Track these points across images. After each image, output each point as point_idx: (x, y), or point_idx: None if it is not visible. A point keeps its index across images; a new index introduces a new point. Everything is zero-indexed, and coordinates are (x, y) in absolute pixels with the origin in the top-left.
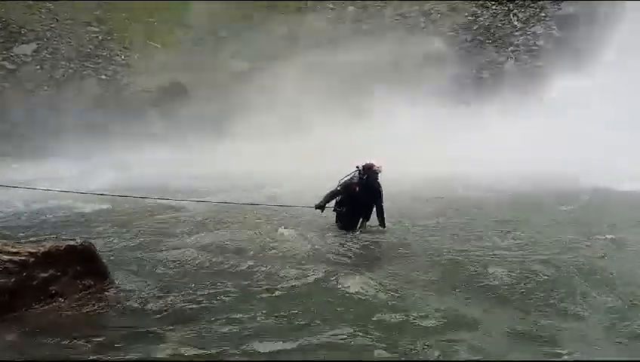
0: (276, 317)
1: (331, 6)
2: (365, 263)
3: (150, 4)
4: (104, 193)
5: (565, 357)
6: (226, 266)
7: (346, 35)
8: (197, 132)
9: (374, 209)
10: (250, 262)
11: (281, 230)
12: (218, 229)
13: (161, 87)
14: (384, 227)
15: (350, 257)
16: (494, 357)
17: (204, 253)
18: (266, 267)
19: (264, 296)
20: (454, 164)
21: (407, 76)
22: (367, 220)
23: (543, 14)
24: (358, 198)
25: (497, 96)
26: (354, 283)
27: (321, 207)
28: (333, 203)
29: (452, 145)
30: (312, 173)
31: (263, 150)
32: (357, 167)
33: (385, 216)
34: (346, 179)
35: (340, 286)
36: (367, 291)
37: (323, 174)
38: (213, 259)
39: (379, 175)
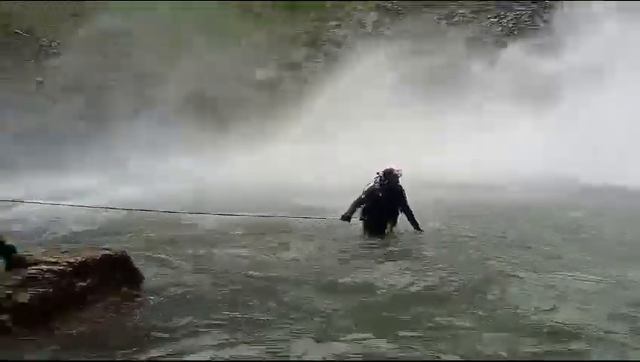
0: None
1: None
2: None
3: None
4: (114, 207)
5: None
6: (254, 278)
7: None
8: (226, 141)
9: (400, 214)
10: (282, 273)
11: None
12: (248, 241)
13: (188, 96)
14: (419, 230)
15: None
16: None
17: (234, 265)
18: (300, 281)
19: (297, 308)
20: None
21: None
22: (395, 225)
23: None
24: (382, 204)
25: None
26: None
27: (347, 217)
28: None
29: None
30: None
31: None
32: (377, 173)
33: (415, 217)
34: (368, 186)
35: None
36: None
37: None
38: (243, 271)
39: (399, 178)
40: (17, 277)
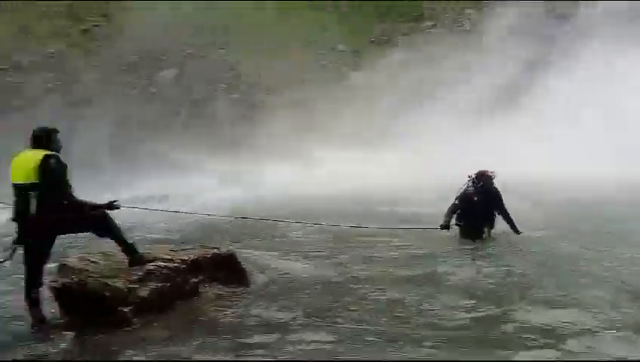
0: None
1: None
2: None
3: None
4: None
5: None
6: (355, 284)
7: None
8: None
9: (496, 217)
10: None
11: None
12: (343, 249)
13: (286, 101)
14: (518, 233)
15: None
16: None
17: (334, 271)
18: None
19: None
20: None
21: None
22: (492, 228)
23: None
24: (478, 208)
25: None
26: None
27: (446, 226)
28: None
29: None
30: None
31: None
32: (469, 177)
33: (513, 219)
34: (460, 191)
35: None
36: None
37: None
38: (340, 277)
39: (493, 180)
40: (138, 273)
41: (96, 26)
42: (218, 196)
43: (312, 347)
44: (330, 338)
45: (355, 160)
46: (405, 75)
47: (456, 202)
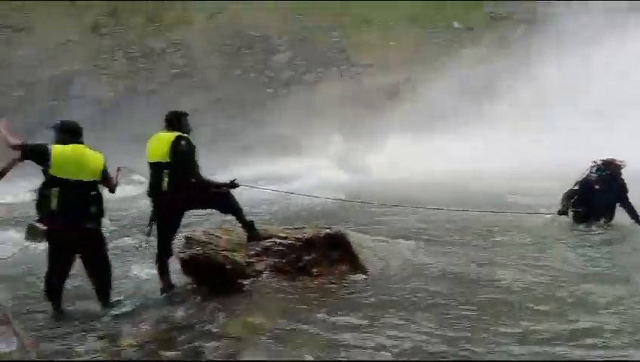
0: None
1: None
2: None
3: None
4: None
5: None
6: (470, 275)
7: None
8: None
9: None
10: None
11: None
12: (461, 236)
13: (394, 84)
14: (637, 220)
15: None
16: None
17: (447, 258)
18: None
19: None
20: None
21: None
22: (611, 219)
23: None
24: (598, 196)
25: None
26: None
27: (564, 212)
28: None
29: None
30: None
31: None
32: (593, 162)
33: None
34: (582, 176)
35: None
36: None
37: None
38: (457, 265)
39: (620, 170)
40: (256, 248)
41: (220, 13)
42: (328, 178)
43: (421, 337)
44: (440, 331)
45: (473, 147)
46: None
47: (575, 188)
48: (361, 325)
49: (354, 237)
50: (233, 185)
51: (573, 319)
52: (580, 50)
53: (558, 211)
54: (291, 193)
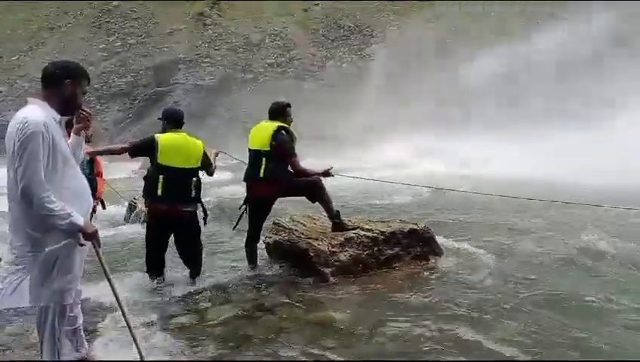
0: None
1: None
2: None
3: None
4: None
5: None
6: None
7: None
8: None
9: None
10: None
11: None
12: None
13: (495, 77)
14: None
15: None
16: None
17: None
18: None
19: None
20: None
21: None
22: None
23: None
24: None
25: None
26: None
27: None
28: None
29: None
30: None
31: None
32: None
33: None
34: None
35: None
36: None
37: None
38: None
39: None
40: (340, 238)
41: (317, 4)
42: (418, 169)
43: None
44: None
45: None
46: None
47: None
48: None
49: (442, 233)
50: (328, 173)
51: None
52: None
53: None
54: (386, 181)
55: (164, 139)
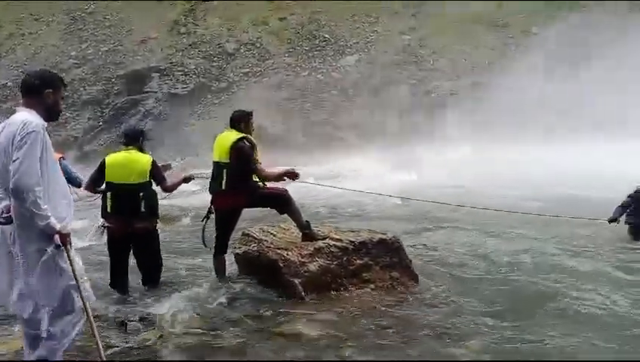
0: None
1: None
2: None
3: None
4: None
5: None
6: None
7: None
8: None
9: None
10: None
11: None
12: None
13: (463, 88)
14: None
15: None
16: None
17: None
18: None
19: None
20: None
21: None
22: None
23: None
24: None
25: None
26: None
27: (613, 220)
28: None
29: None
30: None
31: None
32: None
33: None
34: (636, 189)
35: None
36: None
37: None
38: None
39: None
40: (309, 248)
41: (293, 14)
42: (387, 180)
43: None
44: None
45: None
46: None
47: (627, 199)
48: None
49: (410, 241)
50: (293, 174)
51: None
52: None
53: (608, 219)
54: (353, 190)
55: (109, 157)
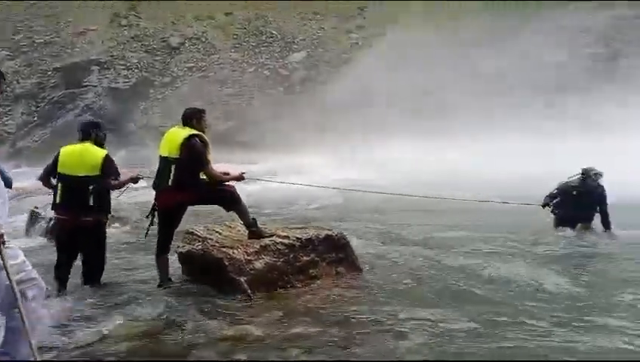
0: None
1: None
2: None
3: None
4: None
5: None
6: (455, 263)
7: None
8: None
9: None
10: (479, 260)
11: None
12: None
13: (405, 88)
14: (608, 229)
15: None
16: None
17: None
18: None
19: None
20: None
21: None
22: (588, 226)
23: None
24: (575, 201)
25: None
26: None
27: (546, 205)
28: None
29: None
30: None
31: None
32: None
33: (609, 220)
34: (566, 181)
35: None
36: None
37: None
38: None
39: (599, 179)
40: (255, 246)
41: (239, 9)
42: (333, 176)
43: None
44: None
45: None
46: None
47: (555, 191)
48: (354, 329)
49: (357, 238)
50: (241, 178)
51: None
52: None
53: (542, 204)
54: (295, 184)
55: (64, 148)
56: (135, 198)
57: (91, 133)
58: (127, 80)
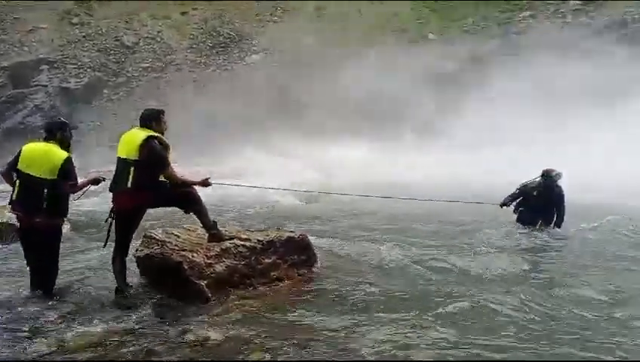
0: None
1: None
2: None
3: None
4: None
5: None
6: (425, 261)
7: None
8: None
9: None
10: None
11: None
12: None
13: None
14: (558, 227)
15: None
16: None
17: (397, 249)
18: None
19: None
20: None
21: None
22: (548, 224)
23: None
24: (535, 201)
25: None
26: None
27: (505, 204)
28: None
29: None
30: None
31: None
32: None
33: (564, 219)
34: (526, 182)
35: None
36: None
37: None
38: (407, 255)
39: (558, 180)
40: (216, 249)
41: (195, 8)
42: (294, 177)
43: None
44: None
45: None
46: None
47: (516, 191)
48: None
49: (317, 240)
50: (206, 183)
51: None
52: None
53: (500, 204)
54: (257, 187)
55: (28, 145)
56: (94, 201)
57: (56, 133)
58: (79, 80)
